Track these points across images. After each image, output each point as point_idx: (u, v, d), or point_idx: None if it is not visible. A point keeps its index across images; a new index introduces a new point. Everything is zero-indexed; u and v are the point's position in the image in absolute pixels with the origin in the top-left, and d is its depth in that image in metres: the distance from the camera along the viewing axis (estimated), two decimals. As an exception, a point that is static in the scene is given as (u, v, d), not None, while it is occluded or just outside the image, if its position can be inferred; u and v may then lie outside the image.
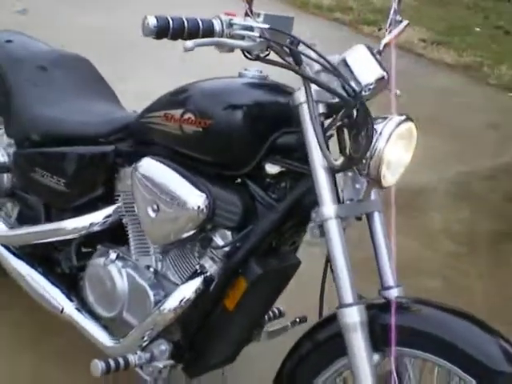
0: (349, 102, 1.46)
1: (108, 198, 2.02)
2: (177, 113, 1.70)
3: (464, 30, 7.28)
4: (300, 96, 1.51)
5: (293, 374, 1.67)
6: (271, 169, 1.66)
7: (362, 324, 1.47)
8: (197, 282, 1.75)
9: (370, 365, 1.47)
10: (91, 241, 2.06)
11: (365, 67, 1.50)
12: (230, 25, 1.45)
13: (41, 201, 2.21)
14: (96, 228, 1.99)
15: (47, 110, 2.15)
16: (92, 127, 2.06)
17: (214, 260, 1.74)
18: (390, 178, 1.53)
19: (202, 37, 1.41)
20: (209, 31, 1.42)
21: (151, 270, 1.89)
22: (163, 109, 1.76)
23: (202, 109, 1.66)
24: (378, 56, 1.54)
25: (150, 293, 1.86)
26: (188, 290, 1.75)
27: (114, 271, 1.93)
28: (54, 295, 2.10)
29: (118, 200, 1.98)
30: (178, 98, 1.76)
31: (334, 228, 1.49)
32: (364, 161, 1.48)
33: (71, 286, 2.13)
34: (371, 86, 1.50)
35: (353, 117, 1.46)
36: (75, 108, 2.17)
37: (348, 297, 1.49)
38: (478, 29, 7.43)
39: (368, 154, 1.47)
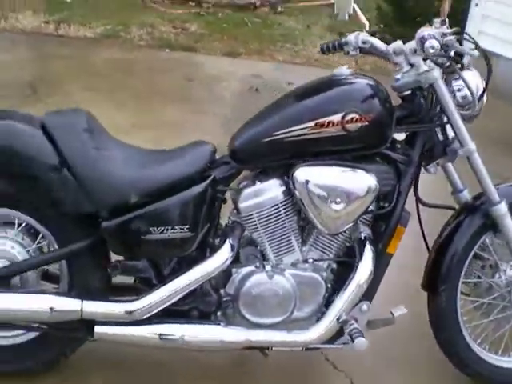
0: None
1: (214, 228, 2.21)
2: (335, 117, 2.04)
3: (63, 4, 7.54)
4: (435, 74, 2.09)
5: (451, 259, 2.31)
6: (399, 136, 2.18)
7: (509, 210, 2.24)
8: (369, 248, 2.15)
9: None
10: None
11: None
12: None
13: (151, 262, 2.19)
14: (230, 258, 2.15)
15: (133, 169, 2.12)
16: (185, 169, 2.15)
17: (366, 224, 2.21)
18: None
19: None
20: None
21: (310, 260, 2.20)
22: (307, 121, 2.05)
23: (363, 107, 2.06)
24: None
25: (319, 278, 2.19)
26: (367, 258, 2.14)
27: (281, 279, 2.17)
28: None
29: (234, 223, 2.19)
30: (326, 106, 2.08)
31: (477, 158, 2.19)
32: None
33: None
34: None
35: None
36: (148, 159, 2.18)
37: (495, 197, 2.22)
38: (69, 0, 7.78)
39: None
